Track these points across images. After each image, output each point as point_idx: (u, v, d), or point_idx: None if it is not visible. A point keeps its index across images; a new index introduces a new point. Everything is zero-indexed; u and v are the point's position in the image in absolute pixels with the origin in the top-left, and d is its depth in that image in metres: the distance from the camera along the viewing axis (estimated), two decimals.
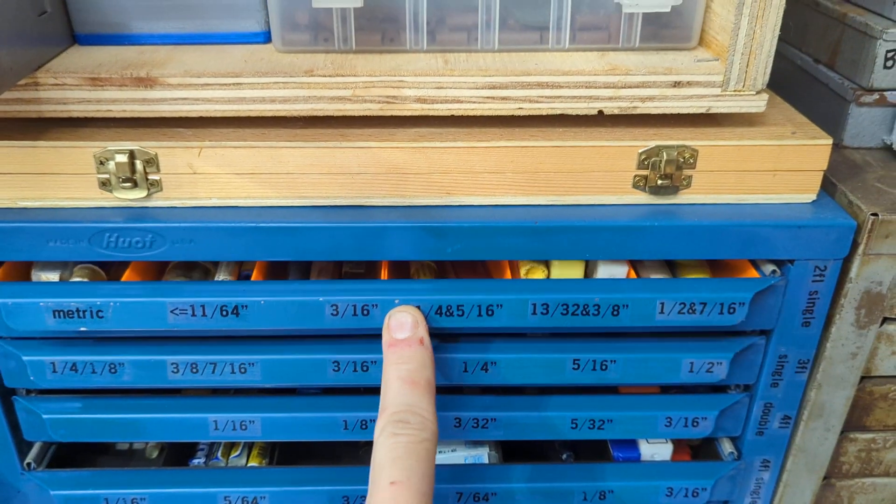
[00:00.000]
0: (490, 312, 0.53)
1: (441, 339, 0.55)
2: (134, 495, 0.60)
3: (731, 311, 0.54)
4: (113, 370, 0.55)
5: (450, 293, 0.52)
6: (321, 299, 0.52)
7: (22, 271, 0.56)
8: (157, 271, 0.59)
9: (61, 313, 0.52)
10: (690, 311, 0.54)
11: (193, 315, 0.52)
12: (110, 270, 0.58)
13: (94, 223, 0.51)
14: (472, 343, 0.56)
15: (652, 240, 0.53)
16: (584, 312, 0.53)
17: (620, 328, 0.54)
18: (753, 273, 0.55)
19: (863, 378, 0.59)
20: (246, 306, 0.52)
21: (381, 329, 0.51)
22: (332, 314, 0.52)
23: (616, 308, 0.53)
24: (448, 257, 0.53)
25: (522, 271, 0.56)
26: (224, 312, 0.52)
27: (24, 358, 0.55)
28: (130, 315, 0.52)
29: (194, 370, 0.55)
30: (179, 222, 0.52)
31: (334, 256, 0.53)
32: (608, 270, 0.56)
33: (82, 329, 0.52)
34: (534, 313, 0.53)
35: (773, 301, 0.55)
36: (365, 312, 0.52)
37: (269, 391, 0.61)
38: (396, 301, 0.52)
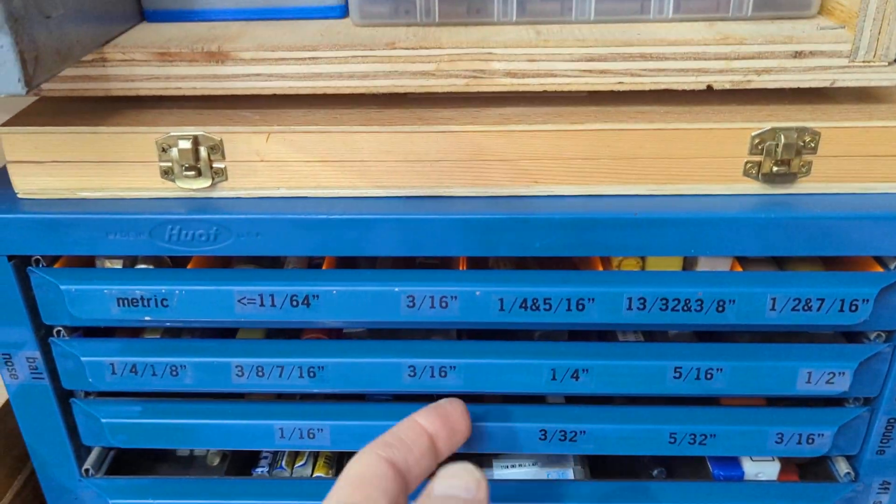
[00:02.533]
0: (581, 307, 0.47)
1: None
2: None
3: (854, 308, 0.47)
4: (174, 373, 0.52)
5: (536, 285, 0.47)
6: (397, 289, 0.47)
7: (84, 263, 0.53)
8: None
9: (125, 301, 0.48)
10: (806, 307, 0.48)
11: (262, 305, 0.48)
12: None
13: (156, 214, 0.48)
14: (562, 347, 0.51)
15: (765, 234, 0.47)
16: (685, 308, 0.48)
17: (726, 326, 0.49)
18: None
19: None
20: (317, 296, 0.47)
21: (458, 323, 0.46)
22: (408, 306, 0.47)
23: (721, 303, 0.47)
24: (536, 253, 0.48)
25: (615, 263, 0.51)
26: (294, 303, 0.48)
27: (83, 359, 0.52)
28: (196, 304, 0.48)
29: (260, 374, 0.51)
30: (246, 213, 0.48)
31: (411, 252, 0.48)
32: (710, 266, 0.50)
33: (147, 318, 0.49)
34: (629, 308, 0.48)
35: None
36: (443, 305, 0.47)
37: (338, 397, 0.57)
38: (477, 293, 0.47)
